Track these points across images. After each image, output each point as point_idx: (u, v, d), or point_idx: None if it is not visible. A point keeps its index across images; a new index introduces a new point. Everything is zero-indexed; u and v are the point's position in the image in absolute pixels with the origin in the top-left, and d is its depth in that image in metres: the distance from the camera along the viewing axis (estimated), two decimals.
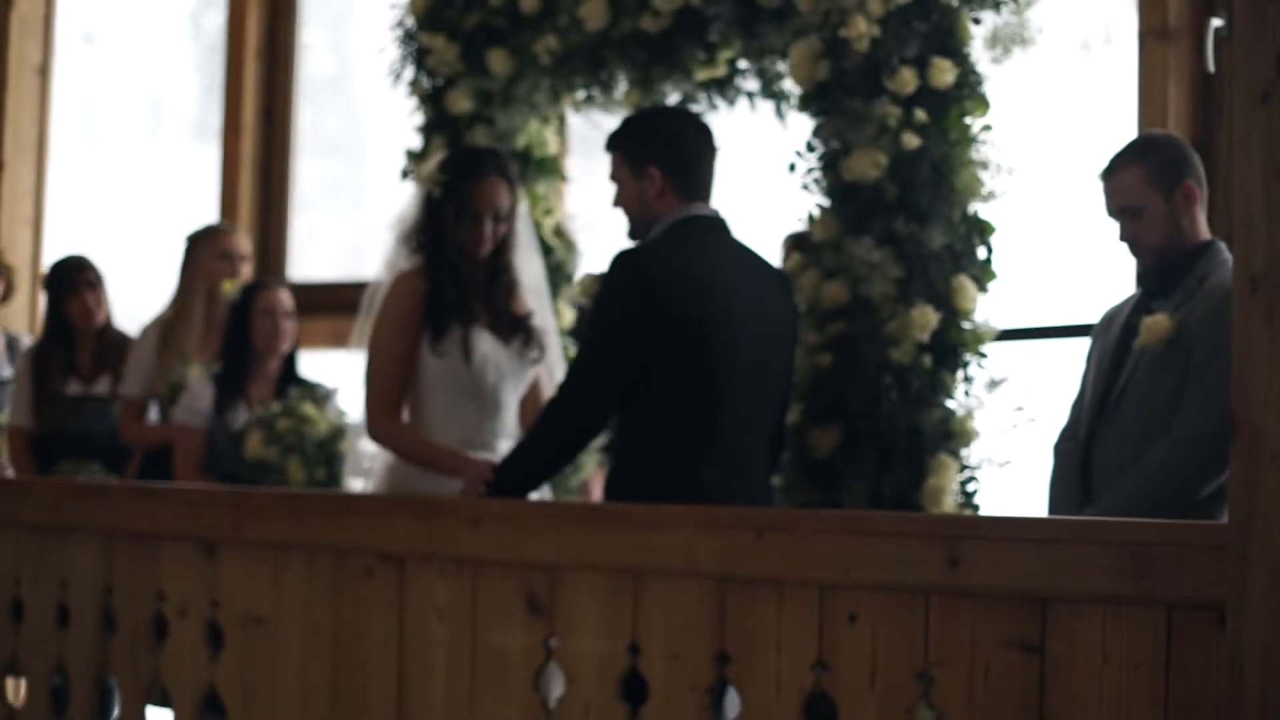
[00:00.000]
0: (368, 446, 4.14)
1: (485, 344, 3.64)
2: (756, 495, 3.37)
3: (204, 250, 5.03)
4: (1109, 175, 3.47)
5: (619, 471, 3.40)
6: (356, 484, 4.31)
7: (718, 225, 3.43)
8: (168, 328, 4.98)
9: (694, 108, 4.10)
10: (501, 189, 3.67)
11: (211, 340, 4.90)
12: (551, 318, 4.04)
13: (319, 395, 4.64)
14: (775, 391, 3.43)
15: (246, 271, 5.05)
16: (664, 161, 3.39)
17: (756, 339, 3.35)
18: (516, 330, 3.71)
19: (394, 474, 3.69)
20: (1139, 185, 3.42)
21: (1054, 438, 3.66)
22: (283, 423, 4.45)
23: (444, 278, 3.61)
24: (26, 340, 5.69)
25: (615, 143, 3.47)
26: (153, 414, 5.01)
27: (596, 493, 4.52)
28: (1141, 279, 3.54)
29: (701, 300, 3.29)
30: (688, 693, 2.76)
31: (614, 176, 3.47)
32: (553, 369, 3.89)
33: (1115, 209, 3.47)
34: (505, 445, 3.65)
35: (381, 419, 3.62)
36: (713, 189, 3.45)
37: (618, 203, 3.47)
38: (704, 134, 3.46)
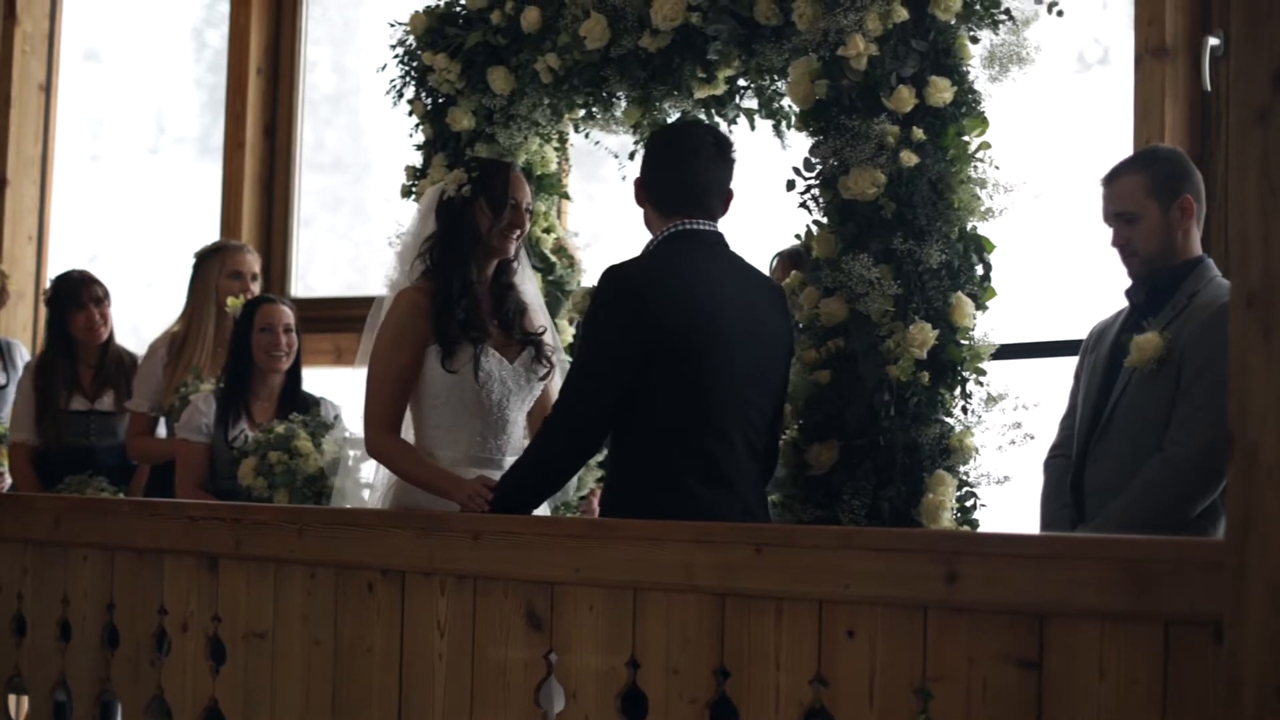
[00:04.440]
0: (364, 472, 4.14)
1: (491, 361, 3.65)
2: (753, 509, 3.37)
3: (215, 267, 5.04)
4: (1110, 181, 3.51)
5: (613, 490, 3.41)
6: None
7: (712, 239, 3.44)
8: (178, 344, 4.99)
9: None
10: (525, 184, 3.80)
11: (221, 357, 4.91)
12: (554, 334, 4.05)
13: (321, 421, 4.63)
14: (768, 406, 3.43)
15: (256, 290, 5.06)
16: (645, 181, 3.46)
17: (749, 352, 3.35)
18: (525, 346, 3.73)
19: (400, 490, 3.69)
20: (1138, 193, 3.45)
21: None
22: (275, 455, 4.44)
23: (453, 294, 3.63)
24: (19, 346, 5.70)
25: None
26: (162, 430, 5.02)
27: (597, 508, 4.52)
28: (1130, 295, 3.55)
29: (691, 314, 3.30)
30: (687, 707, 2.77)
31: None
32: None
33: (1112, 214, 3.50)
34: (511, 461, 3.65)
35: (380, 435, 3.61)
36: (710, 200, 3.42)
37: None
38: (687, 147, 3.45)
